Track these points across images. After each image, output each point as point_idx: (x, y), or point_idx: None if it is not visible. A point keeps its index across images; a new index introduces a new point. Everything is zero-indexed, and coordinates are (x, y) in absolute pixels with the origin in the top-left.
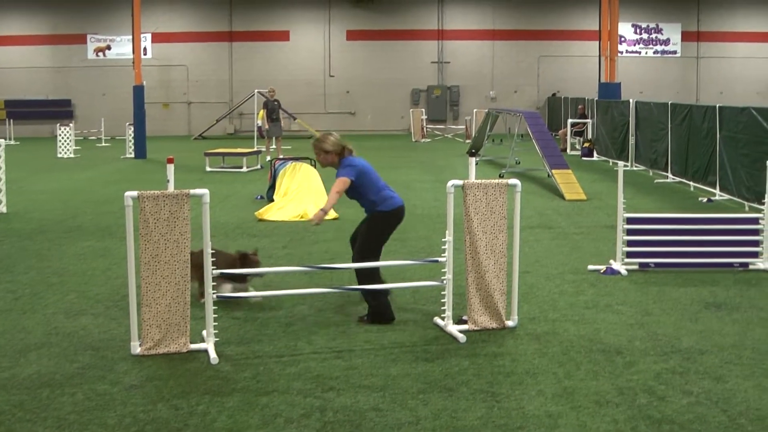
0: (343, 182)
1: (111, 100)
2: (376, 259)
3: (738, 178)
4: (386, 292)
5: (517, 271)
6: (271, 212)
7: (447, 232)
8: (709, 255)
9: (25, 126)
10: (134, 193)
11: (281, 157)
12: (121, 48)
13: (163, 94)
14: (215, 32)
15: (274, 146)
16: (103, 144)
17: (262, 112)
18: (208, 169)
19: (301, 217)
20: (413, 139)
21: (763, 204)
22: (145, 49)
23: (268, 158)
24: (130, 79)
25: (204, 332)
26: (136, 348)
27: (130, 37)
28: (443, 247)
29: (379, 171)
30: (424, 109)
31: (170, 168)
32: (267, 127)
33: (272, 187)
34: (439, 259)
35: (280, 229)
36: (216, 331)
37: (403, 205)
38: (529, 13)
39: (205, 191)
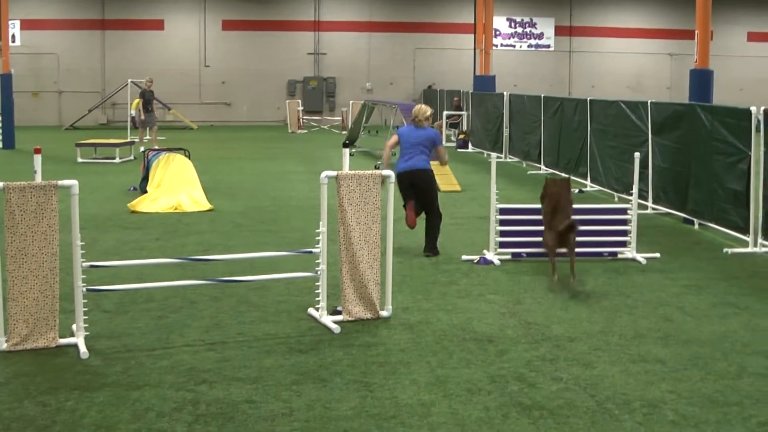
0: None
1: None
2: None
3: (607, 170)
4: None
5: (390, 262)
6: (144, 204)
7: (320, 223)
8: (580, 245)
9: None
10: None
11: (155, 147)
12: None
13: (33, 83)
14: (87, 20)
15: (148, 137)
16: None
17: (136, 102)
18: (79, 160)
19: (175, 209)
20: (289, 131)
21: (632, 195)
22: (13, 36)
23: (142, 149)
24: None
25: (74, 326)
26: (2, 344)
27: None
28: (317, 238)
29: (254, 162)
30: (300, 101)
31: (37, 158)
32: (143, 117)
33: (145, 179)
34: (313, 250)
35: (153, 221)
36: (86, 325)
37: (404, 170)
38: (406, 5)
39: (74, 182)
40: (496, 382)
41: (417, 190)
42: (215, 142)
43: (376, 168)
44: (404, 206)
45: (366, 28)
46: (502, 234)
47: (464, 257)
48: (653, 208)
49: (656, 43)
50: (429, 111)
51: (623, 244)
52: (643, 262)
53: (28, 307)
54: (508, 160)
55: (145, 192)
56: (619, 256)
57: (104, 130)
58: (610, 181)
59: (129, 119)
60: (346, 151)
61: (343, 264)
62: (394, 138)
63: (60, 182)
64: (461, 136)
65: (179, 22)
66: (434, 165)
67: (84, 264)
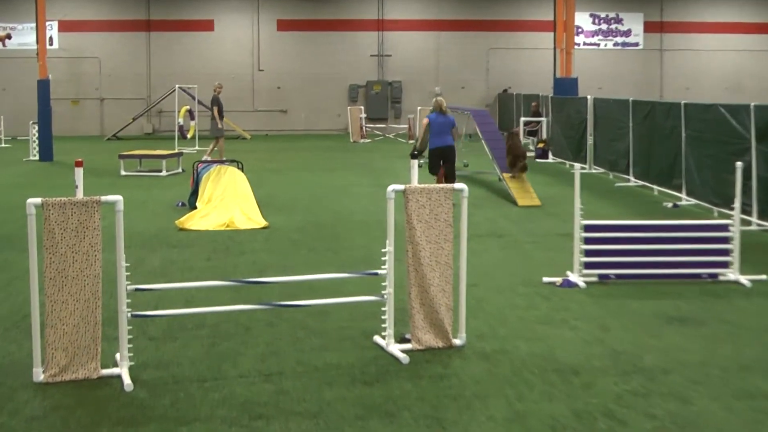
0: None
1: (12, 96)
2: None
3: (705, 182)
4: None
5: (464, 284)
6: (193, 220)
7: (387, 241)
8: (675, 265)
9: None
10: (38, 200)
11: (207, 159)
12: (24, 37)
13: (72, 90)
14: (131, 20)
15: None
16: (3, 145)
17: (184, 110)
18: (122, 173)
19: (227, 226)
20: (351, 140)
21: (733, 209)
22: (51, 38)
23: (207, 158)
24: (33, 73)
25: (117, 355)
26: (39, 375)
27: (34, 24)
28: (383, 258)
29: (313, 175)
30: (362, 107)
31: (79, 172)
32: (220, 125)
33: (195, 193)
34: (379, 271)
35: (203, 239)
36: (131, 354)
37: (437, 147)
38: (478, 1)
39: (118, 198)
40: (582, 418)
41: (444, 160)
42: (270, 152)
43: (415, 153)
44: (434, 173)
45: (434, 26)
46: (587, 253)
47: (545, 279)
48: (758, 224)
49: (758, 38)
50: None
51: (724, 264)
52: (748, 284)
53: (68, 334)
54: (593, 171)
55: (195, 208)
56: (720, 278)
57: (150, 141)
58: (708, 194)
59: (176, 128)
60: (415, 162)
61: (411, 287)
62: (426, 122)
63: (103, 198)
64: (540, 145)
65: (230, 22)
66: (509, 176)
67: (129, 287)
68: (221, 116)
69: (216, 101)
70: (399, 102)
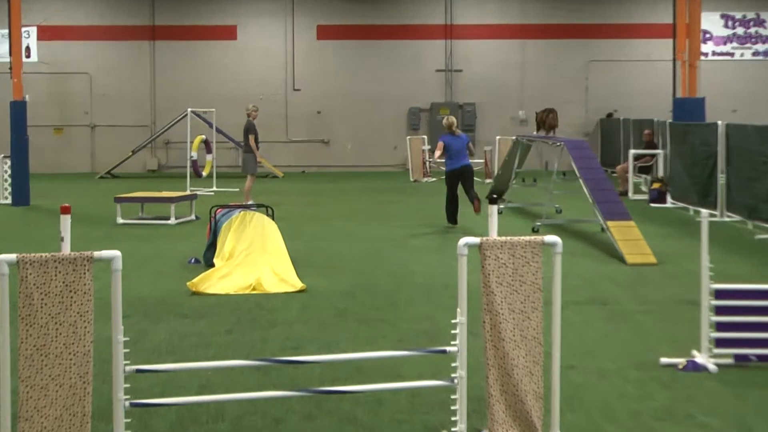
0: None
1: None
2: (452, 202)
3: None
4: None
5: (557, 366)
6: (210, 282)
7: (458, 310)
8: None
9: None
10: (11, 257)
11: (231, 204)
12: None
13: (56, 114)
14: (131, 26)
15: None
16: None
17: (198, 141)
18: (120, 220)
19: (253, 289)
20: (411, 178)
21: None
22: (27, 48)
23: (250, 202)
24: (5, 92)
25: None
26: None
27: (6, 31)
28: (453, 331)
29: (362, 223)
30: (426, 137)
31: (65, 220)
32: (259, 159)
33: (212, 247)
34: (448, 348)
35: (223, 307)
36: None
37: (456, 168)
38: (573, 1)
39: (115, 253)
40: None
41: (463, 181)
42: (308, 194)
43: (534, 231)
44: (449, 200)
45: (517, 33)
46: (719, 327)
47: (663, 360)
48: None
49: None
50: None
51: None
52: None
53: (48, 428)
54: (726, 218)
55: (212, 266)
56: None
57: (154, 180)
58: None
59: (189, 163)
60: (494, 208)
61: (490, 369)
62: (442, 145)
63: (96, 253)
64: (655, 186)
65: (258, 28)
66: (615, 225)
67: (128, 367)
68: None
69: (251, 129)
70: (473, 130)
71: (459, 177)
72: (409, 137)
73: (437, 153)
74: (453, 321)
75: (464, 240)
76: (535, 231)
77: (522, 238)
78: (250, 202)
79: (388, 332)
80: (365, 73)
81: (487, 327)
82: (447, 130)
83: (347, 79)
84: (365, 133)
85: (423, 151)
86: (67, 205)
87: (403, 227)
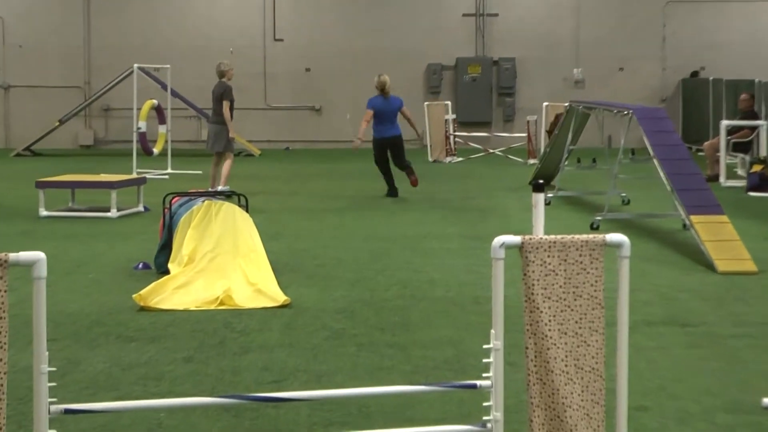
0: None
1: None
2: (386, 173)
3: None
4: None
5: (624, 406)
6: (163, 295)
7: (492, 332)
8: None
9: None
10: None
11: (191, 191)
12: None
13: None
14: None
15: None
16: None
17: (147, 106)
18: (43, 212)
19: (220, 304)
20: (430, 158)
21: None
22: None
23: (221, 187)
24: None
25: None
26: None
27: None
28: (485, 360)
29: (364, 217)
30: (450, 103)
31: None
32: (231, 134)
33: (166, 248)
34: (479, 383)
35: (181, 327)
36: None
37: (383, 137)
38: None
39: (38, 256)
40: None
41: (392, 151)
42: (293, 179)
43: (593, 228)
44: (381, 168)
45: None
46: None
47: (766, 401)
48: None
49: None
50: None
51: None
52: None
53: None
54: None
55: (166, 272)
56: None
57: (90, 158)
58: None
59: (135, 137)
60: (540, 197)
61: (534, 410)
62: (370, 113)
63: (12, 256)
64: (756, 169)
65: None
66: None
67: (54, 407)
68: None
69: (227, 92)
70: (511, 95)
71: (386, 148)
72: (427, 103)
73: (364, 124)
74: (485, 347)
75: (501, 239)
76: (594, 228)
77: (577, 237)
78: (220, 188)
79: (398, 361)
80: (369, 19)
81: (531, 355)
82: (379, 90)
83: (345, 27)
84: (367, 97)
85: (446, 121)
86: None
87: (418, 223)
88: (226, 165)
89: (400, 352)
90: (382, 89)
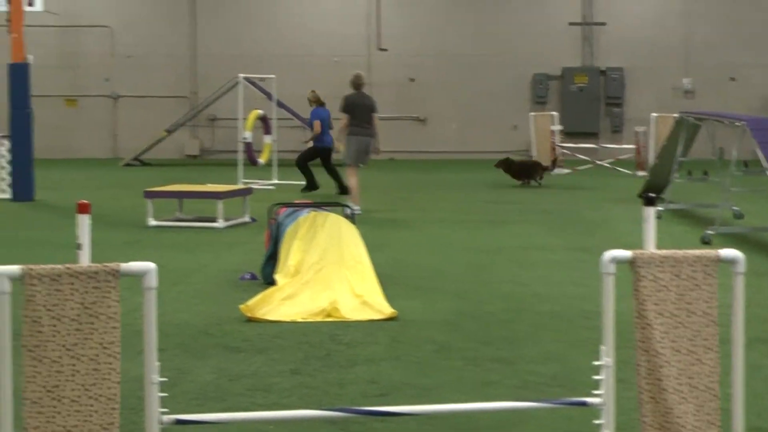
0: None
1: None
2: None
3: None
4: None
5: (741, 427)
6: (270, 306)
7: (602, 348)
8: None
9: None
10: (15, 269)
11: (297, 202)
12: None
13: (67, 81)
14: None
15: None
16: None
17: (253, 116)
18: (151, 222)
19: (327, 316)
20: None
21: None
22: None
23: (353, 209)
24: (1, 52)
25: None
26: None
27: None
28: (595, 377)
29: (469, 229)
30: (555, 113)
31: (83, 221)
32: (342, 145)
33: (272, 259)
34: (588, 400)
35: (287, 338)
36: None
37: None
38: None
39: (149, 266)
40: None
41: (329, 160)
42: (397, 190)
43: (705, 243)
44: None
45: None
46: None
47: None
48: None
49: None
50: None
51: None
52: None
53: None
54: None
55: (273, 283)
56: None
57: (196, 168)
58: None
59: (241, 147)
60: (651, 210)
61: (647, 428)
62: (319, 123)
63: (124, 266)
64: None
65: None
66: None
67: (165, 417)
68: (357, 130)
69: (353, 104)
70: (619, 105)
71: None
72: (532, 114)
73: (344, 130)
74: (595, 363)
75: (611, 254)
76: (706, 242)
77: (690, 252)
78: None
79: (504, 376)
80: (474, 28)
81: (643, 372)
82: (316, 103)
83: (450, 36)
84: (474, 108)
85: (552, 132)
86: (85, 201)
87: (523, 235)
88: (354, 179)
89: (506, 366)
90: (318, 101)
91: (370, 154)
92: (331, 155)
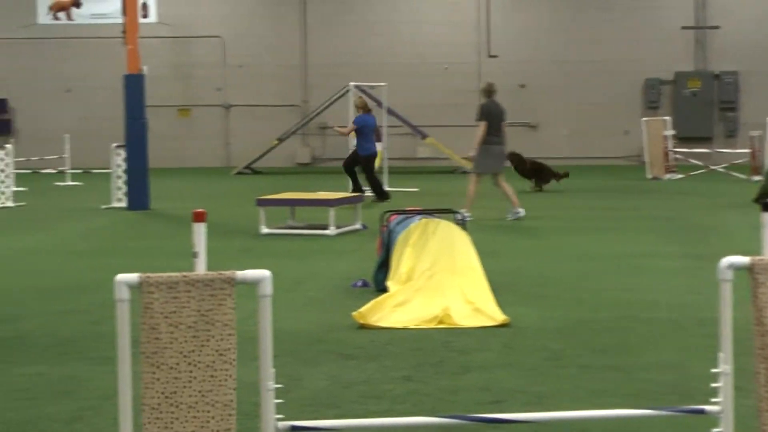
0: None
1: (83, 102)
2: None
3: None
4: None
5: None
6: (382, 313)
7: (720, 355)
8: None
9: None
10: (133, 277)
11: (408, 209)
12: (99, 4)
13: (180, 91)
14: None
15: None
16: (70, 183)
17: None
18: (264, 230)
19: (439, 322)
20: (649, 175)
21: None
22: (145, 6)
23: (464, 215)
24: (117, 63)
25: None
26: None
27: None
28: (713, 384)
29: (581, 234)
30: (669, 118)
31: (199, 230)
32: (475, 151)
33: (384, 266)
34: (707, 408)
35: (400, 345)
36: None
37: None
38: None
39: (264, 274)
40: None
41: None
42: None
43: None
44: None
45: None
46: None
47: None
48: None
49: None
50: None
51: None
52: None
53: None
54: None
55: (384, 290)
56: None
57: (307, 176)
58: None
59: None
60: (767, 216)
61: None
62: (354, 127)
63: (239, 274)
64: None
65: None
66: None
67: (281, 423)
68: (493, 140)
69: (489, 110)
70: (734, 109)
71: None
72: (645, 119)
73: (348, 132)
74: (713, 371)
75: (728, 260)
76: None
77: None
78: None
79: (619, 383)
80: (584, 33)
81: (762, 380)
82: (363, 110)
83: (560, 42)
84: (585, 113)
85: (665, 137)
86: (201, 210)
87: (637, 242)
88: (471, 187)
89: (621, 374)
90: (365, 107)
91: (504, 162)
92: (374, 162)
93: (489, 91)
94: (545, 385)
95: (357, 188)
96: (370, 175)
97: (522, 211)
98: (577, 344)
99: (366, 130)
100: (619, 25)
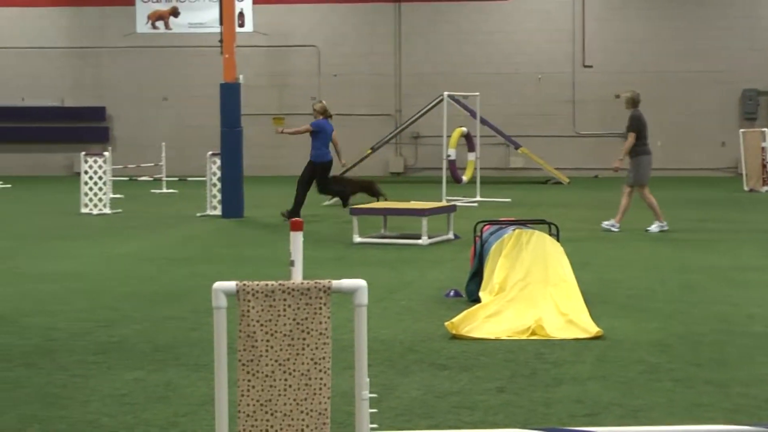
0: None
1: (179, 110)
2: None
3: None
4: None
5: None
6: (474, 323)
7: None
8: None
9: (20, 155)
10: (230, 285)
11: (500, 219)
12: (197, 14)
13: (275, 99)
14: None
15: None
16: (165, 190)
17: (457, 134)
18: (357, 239)
19: (532, 334)
20: (746, 187)
21: None
22: (241, 14)
23: (611, 225)
24: (214, 72)
25: None
26: None
27: None
28: None
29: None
30: (766, 130)
31: (296, 239)
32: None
33: (477, 276)
34: None
35: (493, 356)
36: None
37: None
38: None
39: (360, 283)
40: None
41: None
42: (603, 207)
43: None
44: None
45: None
46: None
47: None
48: None
49: None
50: None
51: None
52: None
53: None
54: None
55: (477, 300)
56: None
57: (400, 185)
58: None
59: (445, 165)
60: None
61: None
62: (309, 127)
63: (335, 283)
64: None
65: None
66: None
67: None
68: (640, 150)
69: (641, 121)
70: None
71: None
72: (742, 130)
73: (302, 131)
74: None
75: None
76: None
77: None
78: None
79: (717, 399)
80: (679, 43)
81: None
82: (323, 114)
83: (655, 52)
84: (680, 124)
85: (763, 149)
86: (298, 219)
87: (733, 254)
88: (625, 200)
89: (718, 389)
90: (324, 112)
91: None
92: (328, 171)
93: (635, 101)
94: (640, 398)
95: (299, 201)
96: (321, 186)
97: (666, 225)
98: (672, 358)
99: (322, 136)
100: (716, 35)
